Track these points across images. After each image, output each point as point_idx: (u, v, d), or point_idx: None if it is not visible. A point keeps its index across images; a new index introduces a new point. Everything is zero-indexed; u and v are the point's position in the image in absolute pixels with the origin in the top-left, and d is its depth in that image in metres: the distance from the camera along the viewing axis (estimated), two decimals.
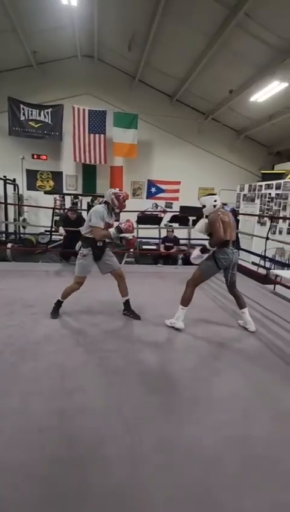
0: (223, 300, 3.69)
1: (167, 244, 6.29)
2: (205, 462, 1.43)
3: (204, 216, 2.81)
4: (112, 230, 2.75)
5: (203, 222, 2.79)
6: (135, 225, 2.97)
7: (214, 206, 2.74)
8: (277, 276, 4.12)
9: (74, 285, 2.90)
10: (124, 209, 2.88)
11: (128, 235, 2.79)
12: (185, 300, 2.79)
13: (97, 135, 8.34)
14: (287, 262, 5.51)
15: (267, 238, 3.86)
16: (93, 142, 8.38)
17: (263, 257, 4.09)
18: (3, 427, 1.57)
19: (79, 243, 2.90)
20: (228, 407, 1.82)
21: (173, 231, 6.35)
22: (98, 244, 2.81)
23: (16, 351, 2.31)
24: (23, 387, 1.89)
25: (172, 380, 2.07)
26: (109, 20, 6.56)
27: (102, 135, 8.37)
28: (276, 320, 3.20)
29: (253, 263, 6.13)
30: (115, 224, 2.85)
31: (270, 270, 4.24)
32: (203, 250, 2.75)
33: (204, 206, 2.79)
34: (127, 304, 3.05)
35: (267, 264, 5.97)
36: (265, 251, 3.98)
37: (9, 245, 6.26)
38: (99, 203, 2.87)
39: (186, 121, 9.39)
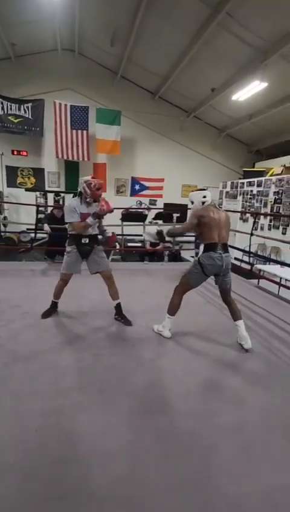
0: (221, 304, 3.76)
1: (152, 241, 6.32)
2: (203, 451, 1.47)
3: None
4: (89, 218, 2.56)
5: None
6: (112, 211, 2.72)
7: (203, 203, 2.47)
8: (260, 270, 4.25)
9: (59, 281, 2.83)
10: (98, 198, 2.66)
11: (108, 233, 2.75)
12: (172, 309, 2.56)
13: (80, 131, 8.21)
14: (269, 257, 5.70)
15: (251, 234, 3.97)
16: (76, 139, 8.25)
17: (248, 252, 4.20)
18: None
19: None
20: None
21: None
22: (82, 242, 2.69)
23: (7, 351, 2.26)
24: (17, 388, 1.86)
25: (165, 373, 2.10)
26: (90, 13, 6.45)
27: (84, 131, 8.25)
28: (263, 314, 3.31)
29: (236, 258, 6.30)
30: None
31: (255, 265, 4.37)
32: (160, 234, 2.56)
33: (192, 203, 2.55)
34: (118, 307, 2.86)
35: (250, 260, 6.17)
36: (249, 247, 4.10)
37: None
38: (73, 196, 2.75)
39: (169, 118, 9.43)
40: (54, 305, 2.93)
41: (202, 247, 2.45)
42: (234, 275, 4.82)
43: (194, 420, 1.67)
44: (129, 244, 7.32)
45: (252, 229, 4.16)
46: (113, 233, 2.81)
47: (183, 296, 2.55)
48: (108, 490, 1.27)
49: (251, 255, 4.93)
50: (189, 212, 2.68)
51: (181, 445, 1.50)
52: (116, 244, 3.04)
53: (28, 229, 8.45)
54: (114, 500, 1.24)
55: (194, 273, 2.44)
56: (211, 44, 6.05)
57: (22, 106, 7.75)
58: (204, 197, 2.50)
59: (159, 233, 2.58)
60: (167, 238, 6.62)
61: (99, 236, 2.87)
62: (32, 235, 8.12)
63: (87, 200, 2.62)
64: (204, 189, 2.63)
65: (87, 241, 2.70)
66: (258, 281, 4.35)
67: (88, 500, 1.23)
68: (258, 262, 5.84)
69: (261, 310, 3.38)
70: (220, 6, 5.06)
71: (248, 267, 4.88)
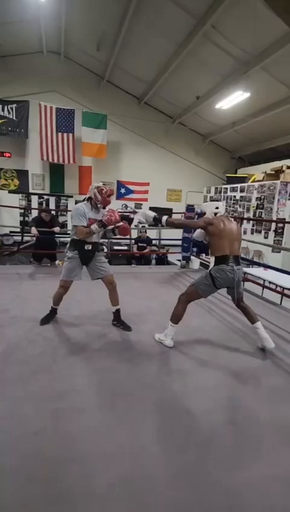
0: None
1: (139, 244, 6.38)
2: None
3: None
4: (93, 225, 2.52)
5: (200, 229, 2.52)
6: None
7: (215, 214, 2.44)
8: (245, 273, 4.40)
9: (59, 289, 2.75)
10: (107, 205, 2.66)
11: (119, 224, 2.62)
12: (176, 317, 2.47)
13: (65, 134, 8.18)
14: (252, 260, 5.90)
15: None
16: (62, 141, 8.21)
17: None
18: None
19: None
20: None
21: (146, 231, 6.46)
22: (85, 248, 2.61)
23: None
24: (10, 392, 1.84)
25: (161, 377, 2.15)
26: (77, 17, 6.49)
27: (70, 134, 8.23)
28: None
29: None
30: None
31: None
32: (156, 220, 2.44)
33: (204, 213, 2.51)
34: (117, 313, 2.82)
35: None
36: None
37: None
38: (82, 200, 2.67)
39: (155, 124, 9.60)
40: (53, 312, 2.87)
41: (212, 259, 2.39)
42: None
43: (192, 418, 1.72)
44: (116, 248, 7.34)
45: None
46: (124, 222, 2.68)
47: (188, 306, 2.48)
48: (109, 489, 1.29)
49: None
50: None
51: (180, 442, 1.55)
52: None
53: (11, 232, 8.29)
54: (115, 498, 1.26)
55: (204, 284, 2.38)
56: (196, 54, 6.25)
57: (5, 107, 7.63)
58: (217, 208, 2.47)
59: (157, 219, 2.51)
60: (154, 242, 6.74)
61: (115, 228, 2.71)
62: (16, 238, 8.02)
63: (98, 205, 2.61)
64: (217, 201, 2.65)
65: (90, 247, 2.63)
66: (243, 284, 4.49)
67: (89, 500, 1.24)
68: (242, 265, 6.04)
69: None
70: (204, 19, 5.26)
71: None
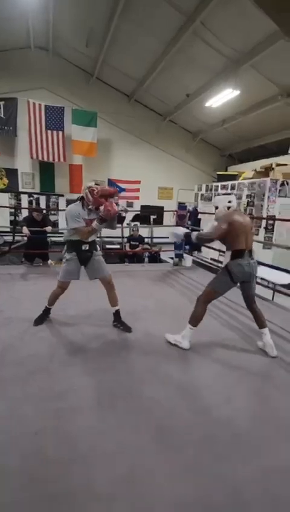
0: (232, 317, 3.88)
1: (132, 243, 6.38)
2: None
3: (214, 219, 2.45)
4: (94, 223, 2.48)
5: (210, 225, 2.46)
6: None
7: (228, 208, 2.39)
8: None
9: (56, 289, 2.74)
10: (100, 205, 2.52)
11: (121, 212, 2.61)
12: (195, 319, 2.43)
13: (55, 132, 8.08)
14: None
15: None
16: (51, 139, 8.10)
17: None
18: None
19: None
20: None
21: (138, 230, 6.46)
22: (83, 248, 2.61)
23: None
24: (10, 393, 1.83)
25: (159, 374, 2.17)
26: (65, 13, 6.38)
27: (60, 132, 8.13)
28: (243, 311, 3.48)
29: (212, 259, 6.54)
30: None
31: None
32: (187, 237, 2.40)
33: (216, 208, 2.45)
34: (117, 314, 2.82)
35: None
36: None
37: None
38: (75, 200, 2.64)
39: (145, 121, 9.57)
40: (46, 311, 2.84)
41: (228, 254, 2.35)
42: (212, 275, 5.04)
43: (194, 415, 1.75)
44: (108, 247, 7.32)
45: None
46: (117, 203, 2.55)
47: (207, 306, 2.45)
48: (110, 488, 1.30)
49: None
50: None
51: (180, 439, 1.58)
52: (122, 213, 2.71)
53: (1, 232, 8.16)
54: (117, 497, 1.27)
55: (222, 281, 2.38)
56: (186, 52, 6.24)
57: None
58: (229, 201, 2.41)
59: (187, 235, 2.48)
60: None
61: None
62: (6, 238, 7.90)
63: (89, 207, 2.54)
64: (229, 194, 2.58)
65: (87, 247, 2.63)
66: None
67: (92, 500, 1.25)
68: None
69: (238, 307, 3.55)
70: (194, 16, 5.25)
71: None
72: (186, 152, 10.33)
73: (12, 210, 8.35)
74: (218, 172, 8.82)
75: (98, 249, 2.79)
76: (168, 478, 1.35)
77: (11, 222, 8.87)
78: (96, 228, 2.51)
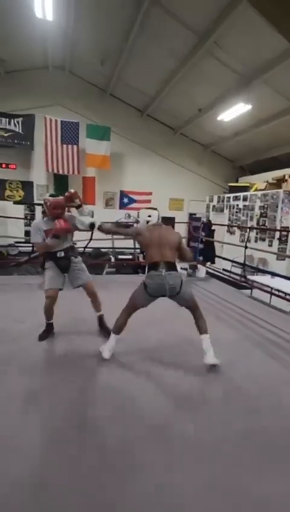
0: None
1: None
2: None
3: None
4: (48, 239, 2.56)
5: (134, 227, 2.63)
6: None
7: (147, 222, 2.51)
8: (253, 281, 4.46)
9: (45, 301, 2.67)
10: (58, 216, 2.59)
11: (90, 220, 2.62)
12: (117, 328, 2.42)
13: (70, 146, 8.34)
14: (257, 267, 5.96)
15: (245, 247, 4.19)
16: (66, 153, 8.36)
17: (243, 264, 4.41)
18: (24, 445, 1.55)
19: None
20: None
21: None
22: (58, 255, 2.64)
23: (21, 368, 2.26)
24: (40, 401, 1.88)
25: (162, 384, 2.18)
26: (83, 34, 6.69)
27: (75, 146, 8.39)
28: (257, 322, 3.47)
29: (224, 270, 6.53)
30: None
31: (248, 277, 4.58)
32: (91, 226, 2.53)
33: (138, 222, 2.65)
34: (100, 319, 2.85)
35: (239, 270, 6.42)
36: (244, 258, 4.31)
37: None
38: (42, 213, 2.72)
39: (156, 135, 9.79)
40: (49, 327, 2.81)
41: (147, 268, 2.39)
42: (227, 286, 5.04)
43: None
44: (120, 257, 7.40)
45: (246, 242, 4.38)
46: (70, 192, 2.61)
47: (128, 318, 2.41)
48: (146, 495, 1.32)
49: (240, 265, 5.17)
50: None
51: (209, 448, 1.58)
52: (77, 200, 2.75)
53: (16, 242, 8.36)
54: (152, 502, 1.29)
55: (138, 292, 2.36)
56: (198, 68, 6.43)
57: (12, 120, 7.79)
58: (149, 216, 2.53)
59: (91, 225, 2.58)
60: None
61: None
62: (21, 248, 8.09)
63: (45, 218, 2.64)
64: (154, 209, 2.62)
65: (62, 254, 2.65)
66: (251, 291, 4.55)
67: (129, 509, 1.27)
68: (247, 273, 6.09)
69: (256, 319, 3.54)
70: (207, 36, 5.45)
71: (236, 277, 5.10)
72: (197, 164, 10.48)
73: (27, 221, 8.57)
74: (230, 184, 8.90)
75: (78, 256, 2.79)
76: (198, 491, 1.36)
77: (26, 233, 9.12)
78: (49, 243, 2.56)
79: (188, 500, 1.31)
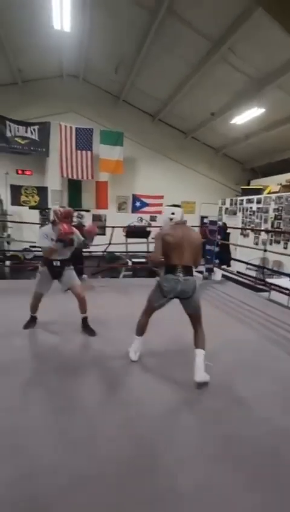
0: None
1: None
2: None
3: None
4: (53, 243, 2.80)
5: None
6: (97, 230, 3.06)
7: (171, 219, 2.37)
8: (271, 284, 4.49)
9: (32, 299, 3.04)
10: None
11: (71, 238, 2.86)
12: (138, 329, 2.48)
13: (84, 151, 8.52)
14: (276, 269, 5.97)
15: (265, 250, 4.23)
16: (80, 158, 8.54)
17: (262, 267, 4.44)
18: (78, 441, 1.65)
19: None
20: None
21: None
22: (54, 264, 2.90)
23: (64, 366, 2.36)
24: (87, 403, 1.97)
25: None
26: (97, 44, 6.86)
27: (89, 152, 8.56)
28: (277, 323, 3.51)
29: (238, 272, 6.56)
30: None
31: (266, 279, 4.61)
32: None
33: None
34: (84, 320, 3.06)
35: (253, 273, 6.43)
36: (263, 261, 4.34)
37: (7, 262, 6.15)
38: (51, 223, 2.93)
39: (168, 139, 9.90)
40: (32, 318, 3.14)
41: (163, 268, 2.33)
42: (244, 289, 5.08)
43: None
44: (134, 260, 7.49)
45: (266, 245, 4.42)
46: (87, 225, 3.04)
47: (148, 319, 2.45)
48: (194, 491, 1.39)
49: (255, 268, 5.20)
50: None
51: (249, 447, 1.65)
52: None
53: (31, 247, 8.55)
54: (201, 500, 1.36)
55: (154, 294, 2.37)
56: (211, 74, 6.51)
57: (28, 128, 8.02)
58: (172, 213, 2.37)
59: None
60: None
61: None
62: (36, 253, 8.26)
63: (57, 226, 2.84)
64: (178, 206, 2.47)
65: (58, 264, 2.92)
66: (269, 294, 4.58)
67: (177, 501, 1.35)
68: (260, 275, 6.11)
69: (277, 321, 3.58)
70: (221, 42, 5.54)
71: (254, 280, 5.12)
72: (208, 167, 10.54)
73: (42, 226, 8.74)
74: (242, 187, 8.93)
75: (70, 265, 3.03)
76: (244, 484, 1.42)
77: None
78: (54, 248, 2.80)
79: None
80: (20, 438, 1.64)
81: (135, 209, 10.08)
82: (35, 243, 8.30)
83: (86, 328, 3.05)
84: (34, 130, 8.04)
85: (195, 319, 2.34)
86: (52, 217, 2.88)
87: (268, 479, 1.47)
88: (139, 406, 1.96)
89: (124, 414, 1.87)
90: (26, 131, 7.98)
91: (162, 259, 2.28)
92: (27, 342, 2.86)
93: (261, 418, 1.88)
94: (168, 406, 1.99)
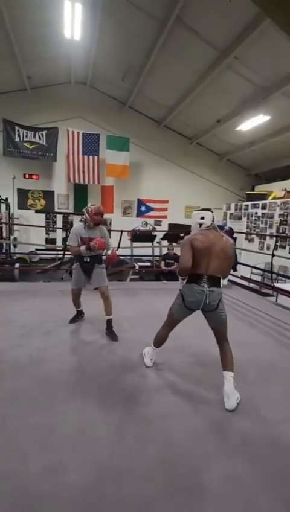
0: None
1: (167, 261, 6.58)
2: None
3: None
4: (82, 247, 2.92)
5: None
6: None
7: (200, 225, 2.14)
8: (279, 289, 4.53)
9: (72, 296, 3.22)
10: (98, 222, 2.98)
11: (102, 251, 3.02)
12: (156, 340, 2.40)
13: (91, 157, 8.65)
14: (284, 274, 6.00)
15: (273, 255, 4.28)
16: (87, 163, 8.67)
17: (270, 272, 4.49)
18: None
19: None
20: None
21: (173, 248, 6.67)
22: (84, 260, 3.02)
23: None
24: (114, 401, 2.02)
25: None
26: (106, 52, 7.01)
27: (95, 157, 8.69)
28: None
29: (243, 277, 6.59)
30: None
31: (273, 284, 4.65)
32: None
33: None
34: (108, 323, 3.04)
35: (258, 277, 6.47)
36: (271, 266, 4.39)
37: (16, 265, 6.24)
38: (80, 221, 3.07)
39: (173, 145, 10.03)
40: (78, 313, 3.39)
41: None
42: (251, 293, 5.11)
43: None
44: (139, 264, 7.54)
45: (273, 250, 4.47)
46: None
47: (169, 332, 2.34)
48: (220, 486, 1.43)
49: (270, 274, 5.23)
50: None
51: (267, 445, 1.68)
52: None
53: (36, 250, 8.63)
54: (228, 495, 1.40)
55: (176, 305, 2.21)
56: (217, 82, 6.63)
57: (37, 133, 8.16)
58: (202, 218, 2.14)
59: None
60: None
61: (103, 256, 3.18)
62: (41, 256, 8.35)
63: (90, 225, 2.98)
64: (208, 209, 2.20)
65: (88, 259, 3.04)
66: (277, 298, 4.62)
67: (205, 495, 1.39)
68: (267, 279, 6.15)
69: (287, 325, 3.62)
70: (228, 51, 5.65)
71: (261, 285, 5.16)
72: (212, 172, 10.65)
73: (48, 229, 8.87)
74: (247, 192, 9.02)
75: (102, 263, 3.14)
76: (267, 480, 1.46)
77: (46, 241, 9.41)
78: (81, 251, 2.92)
79: None
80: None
81: (140, 214, 10.18)
82: (40, 245, 8.44)
83: (110, 331, 3.03)
84: (42, 135, 8.18)
85: (220, 334, 2.14)
86: (82, 216, 2.99)
87: None
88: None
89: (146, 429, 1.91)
90: (34, 137, 8.12)
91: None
92: (49, 342, 2.87)
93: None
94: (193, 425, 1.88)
